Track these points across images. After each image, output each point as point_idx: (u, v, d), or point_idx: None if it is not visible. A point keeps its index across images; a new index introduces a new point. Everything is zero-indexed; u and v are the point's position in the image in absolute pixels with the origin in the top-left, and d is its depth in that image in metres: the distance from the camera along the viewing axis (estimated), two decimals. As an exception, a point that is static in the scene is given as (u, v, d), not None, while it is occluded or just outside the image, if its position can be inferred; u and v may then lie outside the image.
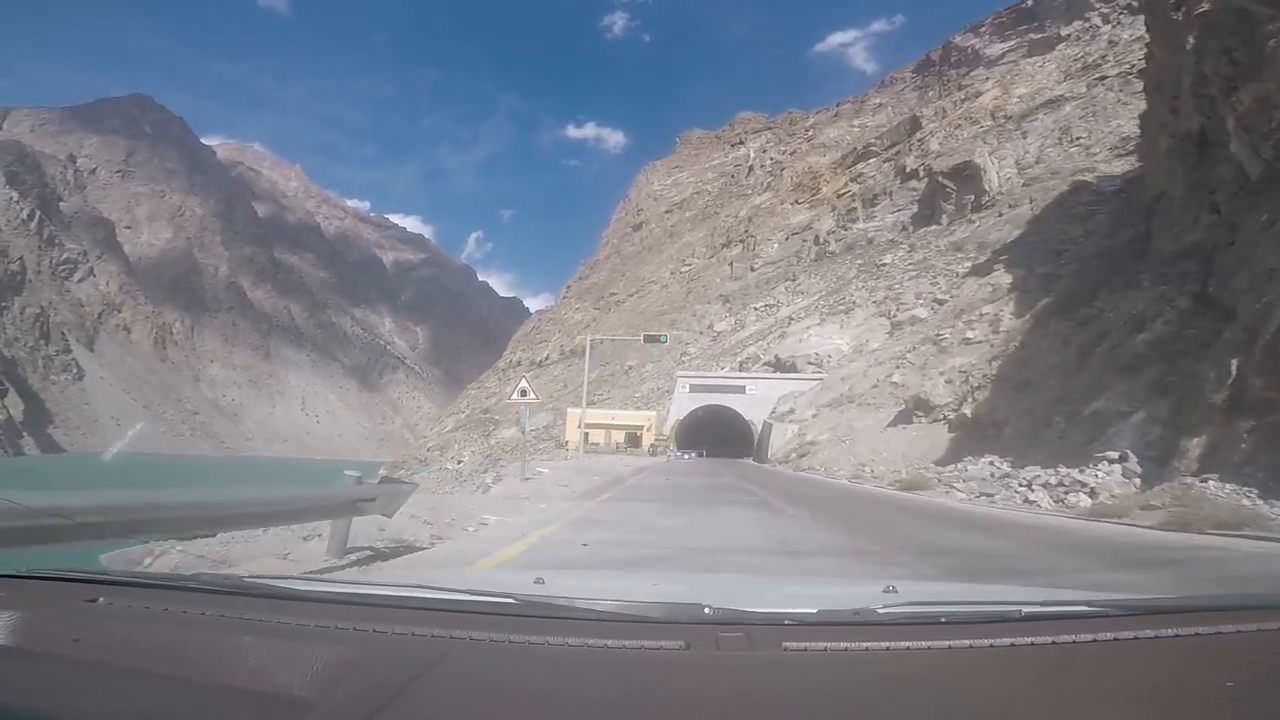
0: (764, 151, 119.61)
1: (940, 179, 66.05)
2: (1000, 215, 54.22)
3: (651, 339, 34.44)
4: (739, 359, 59.89)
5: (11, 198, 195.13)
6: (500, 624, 1.37)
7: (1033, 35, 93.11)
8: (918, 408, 26.45)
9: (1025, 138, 64.84)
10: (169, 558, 6.53)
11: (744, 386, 51.38)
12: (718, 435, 52.67)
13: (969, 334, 31.64)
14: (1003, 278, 36.53)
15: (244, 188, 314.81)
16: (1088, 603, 1.69)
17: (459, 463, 66.75)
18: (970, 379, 24.91)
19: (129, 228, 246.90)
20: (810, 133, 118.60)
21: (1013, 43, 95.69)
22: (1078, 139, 59.47)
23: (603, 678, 1.19)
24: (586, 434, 57.91)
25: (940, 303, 42.58)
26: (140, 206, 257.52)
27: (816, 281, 68.25)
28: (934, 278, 48.86)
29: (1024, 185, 57.25)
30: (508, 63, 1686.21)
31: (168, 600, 1.55)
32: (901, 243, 64.45)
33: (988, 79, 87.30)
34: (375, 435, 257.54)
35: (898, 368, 33.72)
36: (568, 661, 1.25)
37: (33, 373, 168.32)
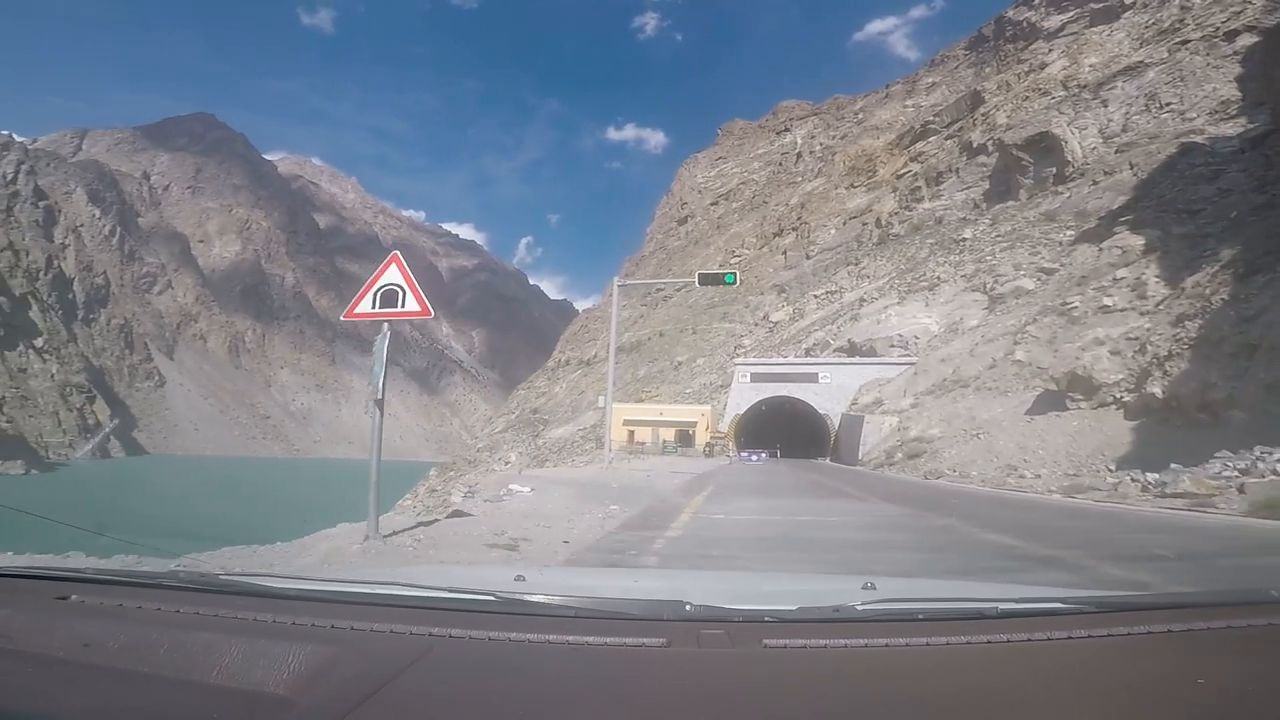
0: (812, 137, 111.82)
1: (1014, 152, 60.03)
2: (1095, 183, 48.46)
3: (712, 280, 23.32)
4: (804, 346, 53.02)
5: (94, 214, 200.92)
6: (480, 621, 1.34)
7: (1093, 4, 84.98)
8: (1073, 388, 19.21)
9: (1106, 106, 58.29)
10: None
11: (816, 374, 43.65)
12: (785, 431, 45.04)
13: (1106, 301, 25.01)
14: (1130, 241, 29.84)
15: (305, 200, 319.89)
16: (1063, 600, 1.63)
17: (506, 464, 62.46)
18: (1149, 348, 17.73)
19: (201, 241, 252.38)
20: (860, 116, 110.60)
21: (1072, 13, 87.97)
22: (1168, 105, 53.44)
23: (584, 675, 1.16)
24: (632, 431, 48.98)
25: (1047, 272, 36.24)
26: (211, 221, 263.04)
27: (883, 264, 61.40)
28: (1032, 248, 42.26)
29: (1116, 153, 51.36)
30: (544, 70, 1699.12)
31: (142, 597, 1.47)
32: (976, 219, 58.25)
33: (1050, 50, 79.86)
34: (435, 437, 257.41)
35: (1017, 344, 26.76)
36: (548, 659, 1.21)
37: (119, 380, 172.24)
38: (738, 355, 58.30)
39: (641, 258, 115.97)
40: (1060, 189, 52.42)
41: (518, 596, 1.55)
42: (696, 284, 18.49)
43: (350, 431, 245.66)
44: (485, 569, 4.66)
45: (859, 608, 1.44)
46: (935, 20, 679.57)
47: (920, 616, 1.43)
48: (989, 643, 1.27)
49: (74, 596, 1.45)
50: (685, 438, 46.96)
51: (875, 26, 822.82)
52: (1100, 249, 31.22)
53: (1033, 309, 30.81)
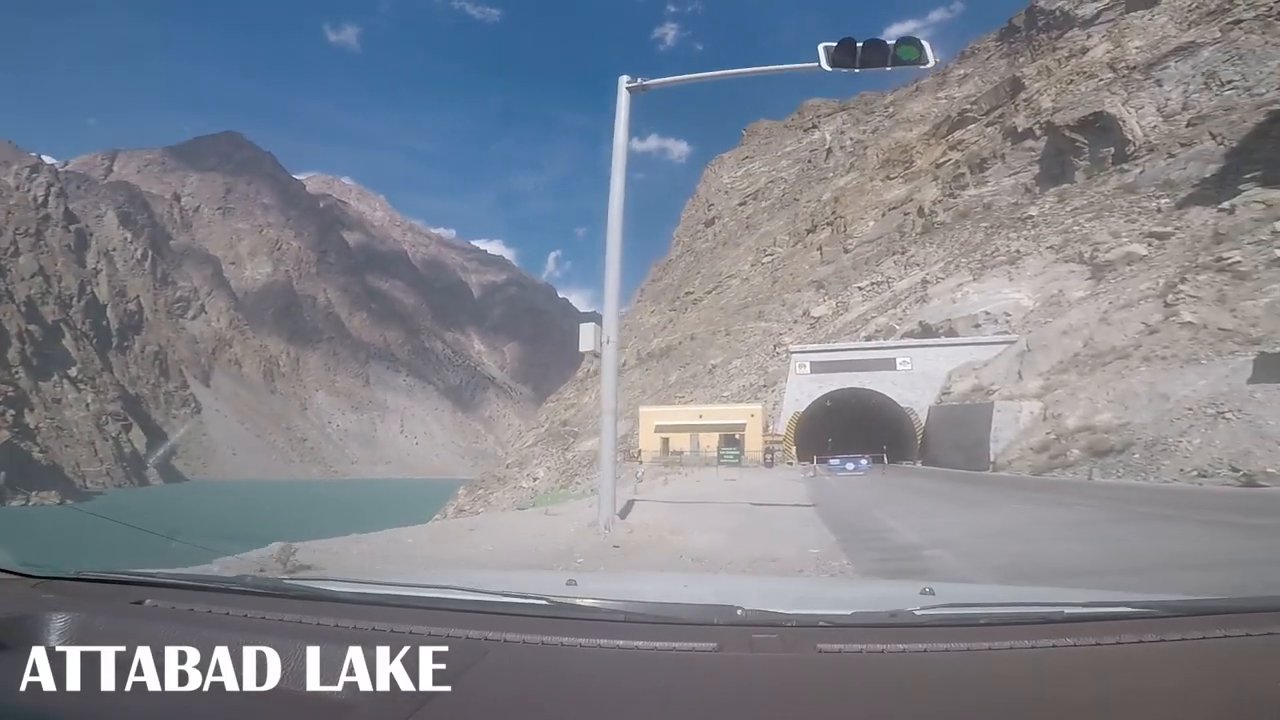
0: (841, 133, 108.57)
1: (1067, 134, 58.01)
2: (1172, 155, 46.17)
3: (871, 57, 8.96)
4: (862, 335, 49.11)
5: (126, 238, 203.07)
6: (535, 625, 1.36)
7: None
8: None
9: (1161, 85, 57.05)
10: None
11: (894, 359, 38.30)
12: (857, 429, 38.80)
13: (1278, 253, 23.24)
14: (1270, 195, 28.38)
15: (334, 220, 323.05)
16: (1131, 604, 1.58)
17: (534, 480, 59.40)
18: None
19: (233, 263, 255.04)
20: (890, 109, 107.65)
21: (1106, 1, 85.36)
22: (1229, 82, 52.11)
23: (636, 678, 1.17)
24: (666, 439, 43.00)
25: (1159, 237, 33.78)
26: (242, 242, 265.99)
27: (934, 250, 58.29)
28: (1126, 216, 39.94)
29: (1188, 127, 49.45)
30: (566, 84, 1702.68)
31: (212, 602, 1.53)
32: (1032, 201, 55.29)
33: (1089, 36, 77.39)
34: (470, 453, 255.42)
35: (1169, 305, 24.02)
36: (601, 662, 1.22)
37: (155, 408, 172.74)
38: (777, 355, 54.70)
39: (668, 262, 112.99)
40: (1126, 166, 50.57)
41: (570, 600, 1.57)
42: (827, 67, 9.00)
43: (388, 452, 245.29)
44: (538, 573, 5.03)
45: (917, 613, 1.40)
46: (955, 23, 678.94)
47: (982, 621, 1.39)
48: (1054, 647, 1.21)
49: (149, 601, 1.50)
50: (732, 441, 40.23)
51: (894, 30, 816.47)
52: (1224, 209, 29.47)
53: (1164, 270, 28.55)
